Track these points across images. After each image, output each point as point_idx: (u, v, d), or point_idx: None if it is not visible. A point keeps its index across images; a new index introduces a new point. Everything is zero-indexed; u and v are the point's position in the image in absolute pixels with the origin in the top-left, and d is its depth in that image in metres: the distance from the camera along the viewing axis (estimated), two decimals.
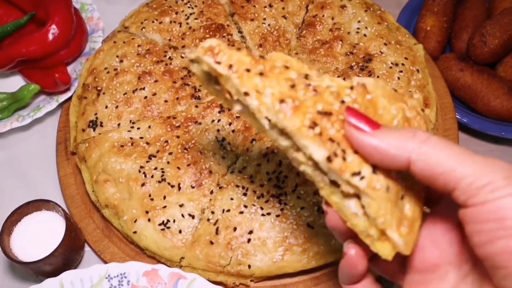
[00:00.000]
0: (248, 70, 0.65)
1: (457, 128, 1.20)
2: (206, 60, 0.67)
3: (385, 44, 1.24)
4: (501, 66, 1.31)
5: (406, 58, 1.22)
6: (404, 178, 0.64)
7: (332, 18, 1.29)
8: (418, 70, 1.21)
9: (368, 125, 0.60)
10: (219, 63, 0.65)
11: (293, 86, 0.64)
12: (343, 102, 0.64)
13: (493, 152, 1.29)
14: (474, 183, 0.53)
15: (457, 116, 1.23)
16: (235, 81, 0.64)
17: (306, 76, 0.66)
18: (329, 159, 0.62)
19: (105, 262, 1.07)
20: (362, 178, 0.61)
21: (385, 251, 0.63)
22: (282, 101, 0.63)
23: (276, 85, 0.65)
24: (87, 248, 1.11)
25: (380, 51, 1.23)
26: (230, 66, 0.65)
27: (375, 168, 0.62)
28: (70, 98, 1.27)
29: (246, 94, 0.64)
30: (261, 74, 0.65)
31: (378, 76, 1.18)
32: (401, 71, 1.19)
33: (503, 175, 0.52)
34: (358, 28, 1.27)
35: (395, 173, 0.63)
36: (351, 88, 0.67)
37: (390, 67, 1.20)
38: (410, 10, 1.49)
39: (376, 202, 0.60)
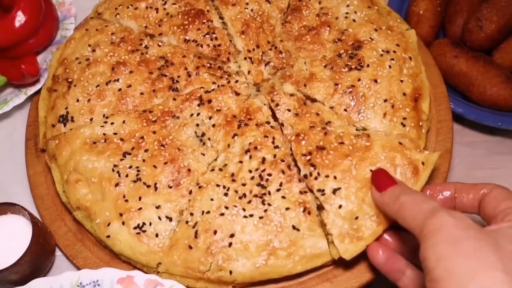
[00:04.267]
0: None
1: (452, 119, 1.13)
2: None
3: (376, 30, 1.17)
4: (498, 53, 1.24)
5: (397, 45, 1.14)
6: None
7: (319, 2, 1.21)
8: (410, 58, 1.14)
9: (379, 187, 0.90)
10: None
11: (312, 127, 1.03)
12: (341, 143, 1.00)
13: (488, 143, 1.23)
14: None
15: (451, 106, 1.16)
16: None
17: (328, 123, 1.04)
18: (305, 176, 0.98)
19: (78, 268, 1.00)
20: (323, 194, 0.96)
21: (333, 252, 0.93)
22: (297, 135, 1.02)
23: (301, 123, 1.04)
24: (58, 253, 1.05)
25: (370, 38, 1.15)
26: None
27: (336, 190, 0.96)
28: (39, 91, 1.18)
29: None
30: None
31: (368, 65, 1.10)
32: (392, 59, 1.12)
33: None
34: (347, 13, 1.19)
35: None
36: (356, 136, 1.01)
37: (381, 55, 1.12)
38: None
39: (328, 213, 0.94)
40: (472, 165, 1.19)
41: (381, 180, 0.89)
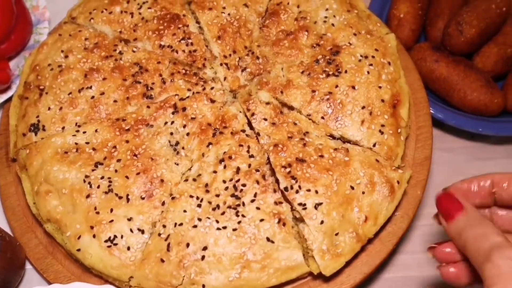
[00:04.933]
0: None
1: (431, 125, 1.12)
2: None
3: (355, 34, 1.15)
4: (478, 57, 1.23)
5: (376, 50, 1.12)
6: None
7: (298, 6, 1.19)
8: (389, 63, 1.12)
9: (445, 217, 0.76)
10: None
11: (290, 137, 1.00)
12: (321, 156, 0.98)
13: (469, 149, 1.21)
14: None
15: (431, 111, 1.15)
16: None
17: (306, 134, 1.01)
18: (285, 189, 0.95)
19: (49, 282, 0.98)
20: (304, 208, 0.94)
21: (313, 267, 0.93)
22: (275, 145, 1.00)
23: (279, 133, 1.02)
24: (28, 266, 1.02)
25: (349, 42, 1.13)
26: None
27: (318, 205, 0.94)
28: (11, 98, 1.15)
29: None
30: None
31: (346, 71, 1.08)
32: (371, 64, 1.10)
33: None
34: (326, 17, 1.17)
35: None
36: (335, 149, 1.00)
37: (359, 60, 1.10)
38: None
39: (309, 228, 0.93)
40: (453, 171, 1.18)
41: (445, 209, 0.77)
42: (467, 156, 1.20)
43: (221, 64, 1.12)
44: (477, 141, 1.22)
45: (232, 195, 0.96)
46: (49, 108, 1.07)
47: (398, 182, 0.99)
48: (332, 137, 1.03)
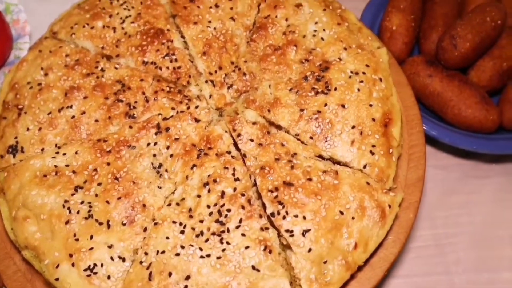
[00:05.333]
0: None
1: (424, 143, 1.08)
2: None
3: (345, 48, 1.11)
4: (473, 71, 1.19)
5: (367, 66, 1.09)
6: None
7: (286, 19, 1.15)
8: (381, 79, 1.08)
9: None
10: None
11: (277, 159, 0.97)
12: (309, 179, 0.94)
13: (463, 167, 1.18)
14: None
15: (425, 128, 1.11)
16: None
17: (294, 155, 0.97)
18: (272, 215, 0.92)
19: None
20: (291, 235, 0.90)
21: None
22: (262, 167, 0.96)
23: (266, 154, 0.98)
24: None
25: (339, 58, 1.10)
26: None
27: (306, 231, 0.90)
28: None
29: None
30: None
31: (335, 88, 1.04)
32: (361, 81, 1.06)
33: None
34: (315, 31, 1.13)
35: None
36: (324, 171, 0.96)
37: (350, 77, 1.07)
38: (376, 5, 1.35)
39: (296, 256, 0.89)
40: (446, 190, 1.15)
41: None
42: (461, 174, 1.17)
43: (206, 81, 1.08)
44: (471, 158, 1.19)
45: (217, 221, 0.92)
46: (28, 129, 1.03)
47: (389, 206, 0.96)
48: (321, 157, 1.00)
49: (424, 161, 1.06)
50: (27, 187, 0.98)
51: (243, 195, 0.94)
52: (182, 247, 0.90)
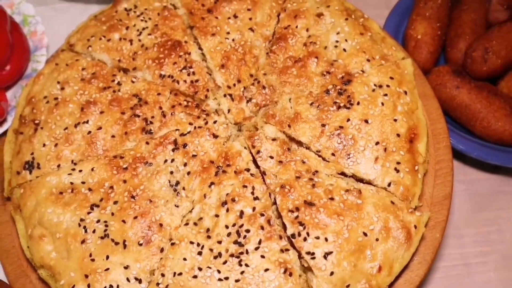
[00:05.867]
0: None
1: (451, 159, 1.03)
2: None
3: (368, 60, 1.07)
4: (503, 81, 1.14)
5: (391, 78, 1.05)
6: None
7: (307, 30, 1.11)
8: (406, 92, 1.04)
9: None
10: None
11: (298, 177, 0.94)
12: (331, 199, 0.91)
13: (491, 181, 1.13)
14: None
15: (452, 142, 1.06)
16: None
17: (315, 173, 0.94)
18: (292, 236, 0.88)
19: None
20: (313, 258, 0.87)
21: None
22: (282, 186, 0.93)
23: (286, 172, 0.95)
24: None
25: (362, 70, 1.06)
26: None
27: (328, 254, 0.86)
28: (6, 132, 1.10)
29: None
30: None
31: (358, 103, 1.00)
32: (385, 95, 1.02)
33: None
34: (337, 41, 1.09)
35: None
36: (347, 190, 0.92)
37: (373, 90, 1.03)
38: (400, 12, 1.31)
39: (317, 279, 0.86)
40: (475, 206, 1.10)
41: None
42: (490, 190, 1.12)
43: (224, 95, 1.06)
44: (501, 173, 1.13)
45: (235, 242, 0.90)
46: (44, 145, 1.02)
47: (415, 226, 0.92)
48: (344, 175, 0.96)
49: (452, 177, 1.02)
50: (43, 204, 0.96)
51: (262, 215, 0.91)
52: (200, 269, 0.88)
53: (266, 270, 0.87)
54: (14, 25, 1.19)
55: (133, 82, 1.07)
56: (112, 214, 0.94)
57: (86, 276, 0.89)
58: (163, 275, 0.89)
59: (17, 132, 1.07)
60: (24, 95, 1.11)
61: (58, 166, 1.00)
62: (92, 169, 0.99)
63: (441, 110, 1.09)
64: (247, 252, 0.89)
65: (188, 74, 1.07)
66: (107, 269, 0.89)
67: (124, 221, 0.93)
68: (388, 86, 1.03)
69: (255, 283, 0.86)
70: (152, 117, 1.03)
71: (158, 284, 0.88)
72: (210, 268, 0.88)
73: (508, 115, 1.08)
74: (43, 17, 1.30)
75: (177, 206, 0.95)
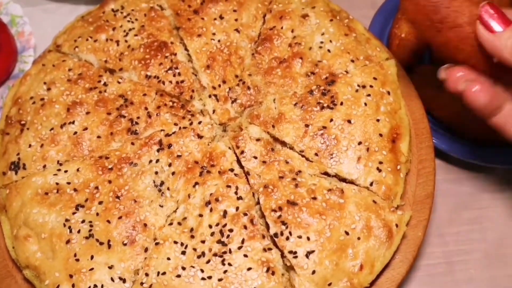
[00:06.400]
0: None
1: (434, 158, 1.05)
2: None
3: (352, 60, 1.08)
4: None
5: (375, 78, 1.06)
6: None
7: (292, 31, 1.12)
8: (389, 92, 1.05)
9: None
10: None
11: (281, 177, 0.94)
12: (314, 198, 0.92)
13: (474, 181, 1.14)
14: None
15: (434, 142, 1.08)
16: None
17: (298, 173, 0.95)
18: (275, 235, 0.89)
19: None
20: (295, 257, 0.87)
21: None
22: (265, 186, 0.94)
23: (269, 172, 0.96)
24: None
25: (346, 71, 1.07)
26: None
27: (310, 253, 0.88)
28: None
29: None
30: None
31: (342, 103, 1.02)
32: (368, 95, 1.03)
33: None
34: (322, 42, 1.10)
35: None
36: (329, 190, 0.94)
37: (356, 90, 1.04)
38: (386, 12, 1.32)
39: (299, 278, 0.87)
40: (457, 205, 1.11)
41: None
42: (473, 189, 1.14)
43: (210, 96, 1.07)
44: (483, 172, 1.15)
45: (218, 241, 0.91)
46: (30, 145, 1.02)
47: (396, 225, 0.93)
48: (327, 174, 0.97)
49: (434, 177, 1.03)
50: (29, 205, 0.97)
51: (245, 214, 0.93)
52: (183, 268, 0.89)
53: (249, 269, 0.88)
54: (1, 26, 1.19)
55: (119, 82, 1.08)
56: (97, 214, 0.95)
57: (71, 276, 0.90)
58: (147, 274, 0.90)
59: (3, 133, 1.07)
60: (10, 96, 1.11)
61: (44, 166, 1.01)
62: (78, 170, 0.99)
63: (424, 110, 1.10)
64: (230, 251, 0.90)
65: (174, 75, 1.08)
66: (92, 269, 0.90)
67: (109, 221, 0.93)
68: (371, 86, 1.05)
69: (238, 282, 0.87)
70: (138, 117, 1.04)
71: (142, 283, 0.89)
72: (193, 267, 0.89)
73: None
74: (31, 18, 1.30)
75: (162, 206, 0.96)
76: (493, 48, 0.76)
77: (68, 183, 0.98)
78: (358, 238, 0.90)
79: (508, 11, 0.79)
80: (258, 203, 0.94)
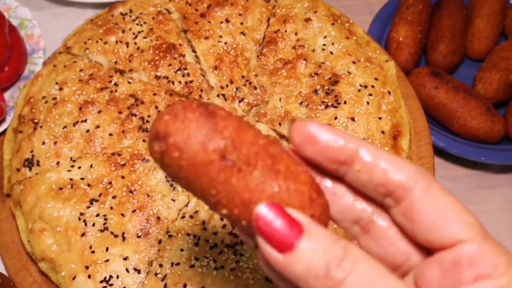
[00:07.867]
0: None
1: (433, 155, 1.10)
2: None
3: (354, 62, 1.13)
4: (480, 83, 1.21)
5: (376, 79, 1.11)
6: None
7: (296, 34, 1.17)
8: (389, 92, 1.10)
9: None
10: None
11: None
12: None
13: (470, 177, 1.19)
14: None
15: (433, 140, 1.13)
16: None
17: None
18: None
19: None
20: None
21: None
22: None
23: None
24: None
25: (348, 71, 1.12)
26: None
27: None
28: (5, 131, 1.13)
29: None
30: None
31: (345, 102, 1.06)
32: (370, 94, 1.08)
33: None
34: (324, 45, 1.15)
35: None
36: None
37: (359, 90, 1.09)
38: (383, 18, 1.37)
39: None
40: None
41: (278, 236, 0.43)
42: (469, 185, 1.18)
43: (218, 95, 1.11)
44: (479, 169, 1.20)
45: (230, 233, 0.94)
46: (43, 143, 1.05)
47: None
48: None
49: (433, 172, 1.08)
50: (43, 200, 0.99)
51: None
52: (197, 258, 0.92)
53: None
54: (11, 28, 1.22)
55: (129, 83, 1.12)
56: (111, 208, 0.98)
57: (87, 267, 0.93)
58: (161, 265, 0.93)
59: (16, 131, 1.10)
60: (22, 96, 1.14)
61: (58, 163, 1.04)
62: (91, 166, 1.02)
63: (422, 110, 1.15)
64: (241, 242, 0.93)
65: (183, 75, 1.12)
66: (107, 260, 0.93)
67: (123, 215, 0.97)
68: (373, 86, 1.09)
69: (250, 271, 0.91)
70: (149, 116, 1.08)
71: (156, 274, 0.92)
72: (206, 257, 0.92)
73: (483, 113, 1.14)
74: (39, 22, 1.33)
75: (174, 200, 0.99)
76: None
77: (82, 178, 1.01)
78: None
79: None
80: None
